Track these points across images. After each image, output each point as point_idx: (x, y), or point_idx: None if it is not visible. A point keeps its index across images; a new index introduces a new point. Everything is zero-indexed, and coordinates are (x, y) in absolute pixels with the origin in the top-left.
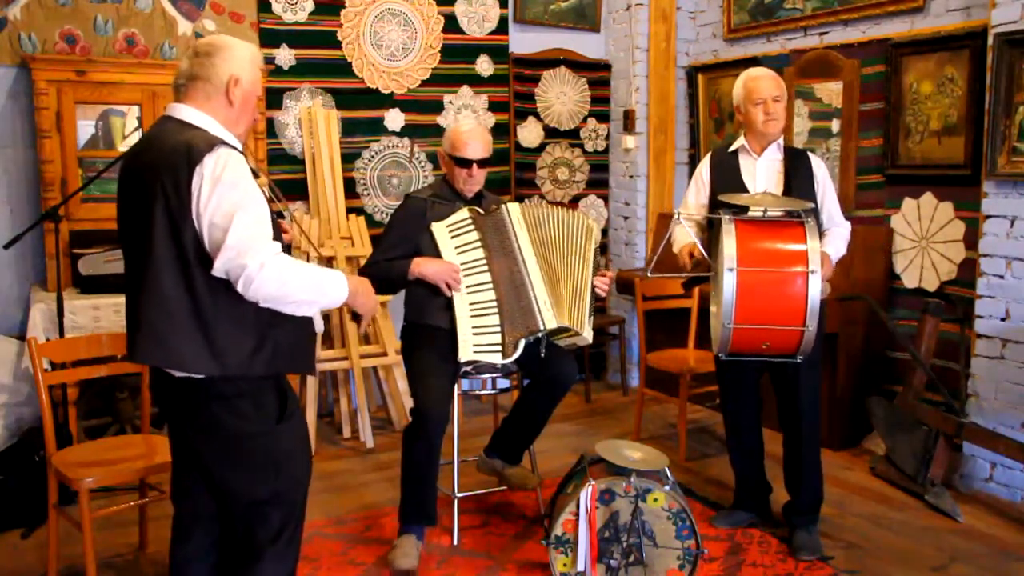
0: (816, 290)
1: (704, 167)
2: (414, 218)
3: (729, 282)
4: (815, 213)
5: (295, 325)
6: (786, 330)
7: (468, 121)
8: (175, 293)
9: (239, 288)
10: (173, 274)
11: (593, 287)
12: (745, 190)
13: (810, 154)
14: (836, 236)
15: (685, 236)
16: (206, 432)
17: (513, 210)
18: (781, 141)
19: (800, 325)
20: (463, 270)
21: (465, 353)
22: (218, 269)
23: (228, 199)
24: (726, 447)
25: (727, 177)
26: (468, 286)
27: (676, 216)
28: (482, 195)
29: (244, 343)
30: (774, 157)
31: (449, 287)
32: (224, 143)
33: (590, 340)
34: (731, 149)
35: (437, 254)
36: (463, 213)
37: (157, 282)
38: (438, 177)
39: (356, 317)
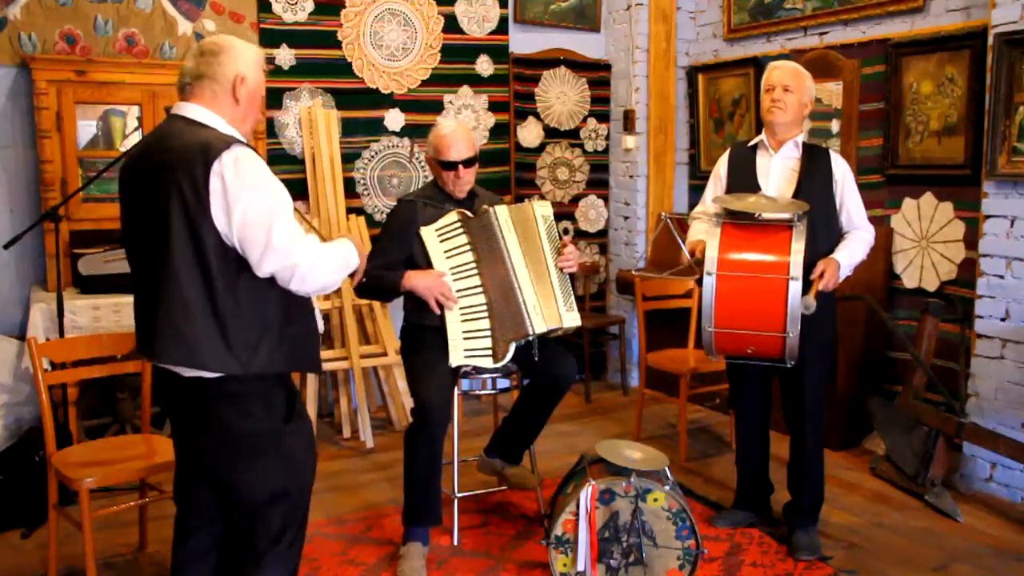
0: (796, 297)
1: (722, 162)
2: (405, 223)
3: (709, 286)
4: (826, 214)
5: (303, 322)
6: (768, 336)
7: (448, 122)
8: (194, 293)
9: (292, 285)
10: (192, 274)
11: (560, 269)
12: (758, 187)
13: (832, 152)
14: (853, 240)
15: (698, 233)
16: (213, 432)
17: (501, 213)
18: (800, 139)
19: (780, 331)
20: (452, 274)
21: (456, 358)
22: (265, 271)
23: (262, 201)
24: (727, 447)
25: (742, 174)
26: (458, 290)
27: (662, 217)
28: (475, 194)
29: (263, 340)
30: (790, 155)
31: (440, 304)
32: (239, 141)
33: (577, 324)
34: (750, 144)
35: (427, 258)
36: (452, 216)
37: (175, 282)
38: (431, 179)
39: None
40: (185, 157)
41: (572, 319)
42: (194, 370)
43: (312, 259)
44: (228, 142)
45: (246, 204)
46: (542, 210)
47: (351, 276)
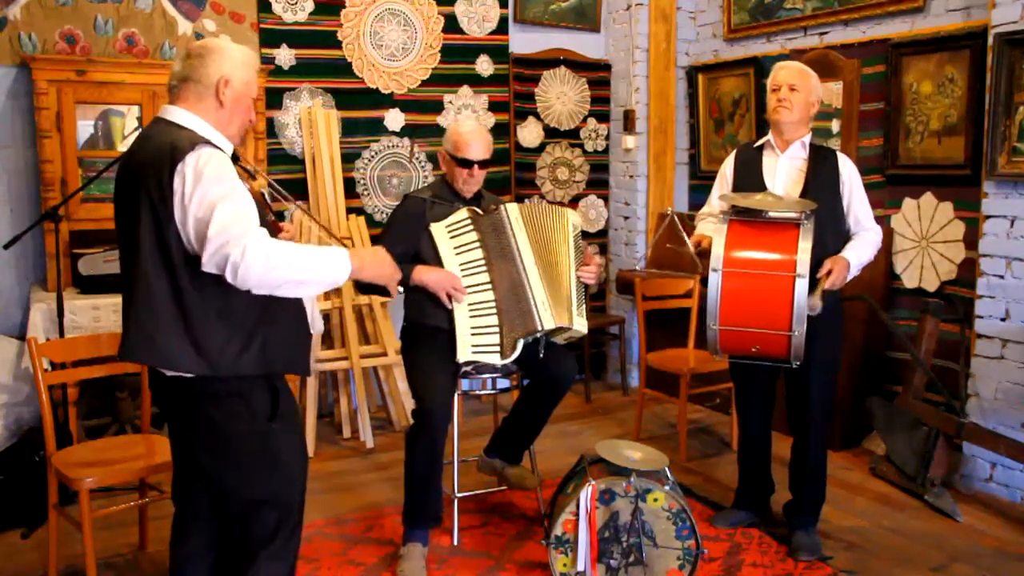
0: (803, 295)
1: (728, 162)
2: (413, 218)
3: (714, 283)
4: (834, 215)
5: (286, 324)
6: (773, 334)
7: (469, 122)
8: (161, 293)
9: (228, 278)
10: (159, 273)
11: (579, 278)
12: (764, 187)
13: (839, 153)
14: (860, 241)
15: (705, 229)
16: (199, 431)
17: (512, 210)
18: (807, 139)
19: (786, 330)
20: (462, 270)
21: (463, 354)
22: (206, 264)
23: (211, 192)
24: (727, 447)
25: (748, 174)
26: (467, 287)
27: (668, 213)
28: (481, 195)
29: (231, 342)
30: (797, 155)
31: (450, 297)
32: (208, 143)
33: (585, 331)
34: (757, 144)
35: (436, 254)
36: (462, 213)
37: (144, 282)
38: (437, 177)
39: (381, 291)
40: (156, 159)
41: (581, 324)
42: (168, 370)
43: (246, 247)
44: (195, 143)
45: (199, 199)
46: (573, 218)
47: (386, 293)
